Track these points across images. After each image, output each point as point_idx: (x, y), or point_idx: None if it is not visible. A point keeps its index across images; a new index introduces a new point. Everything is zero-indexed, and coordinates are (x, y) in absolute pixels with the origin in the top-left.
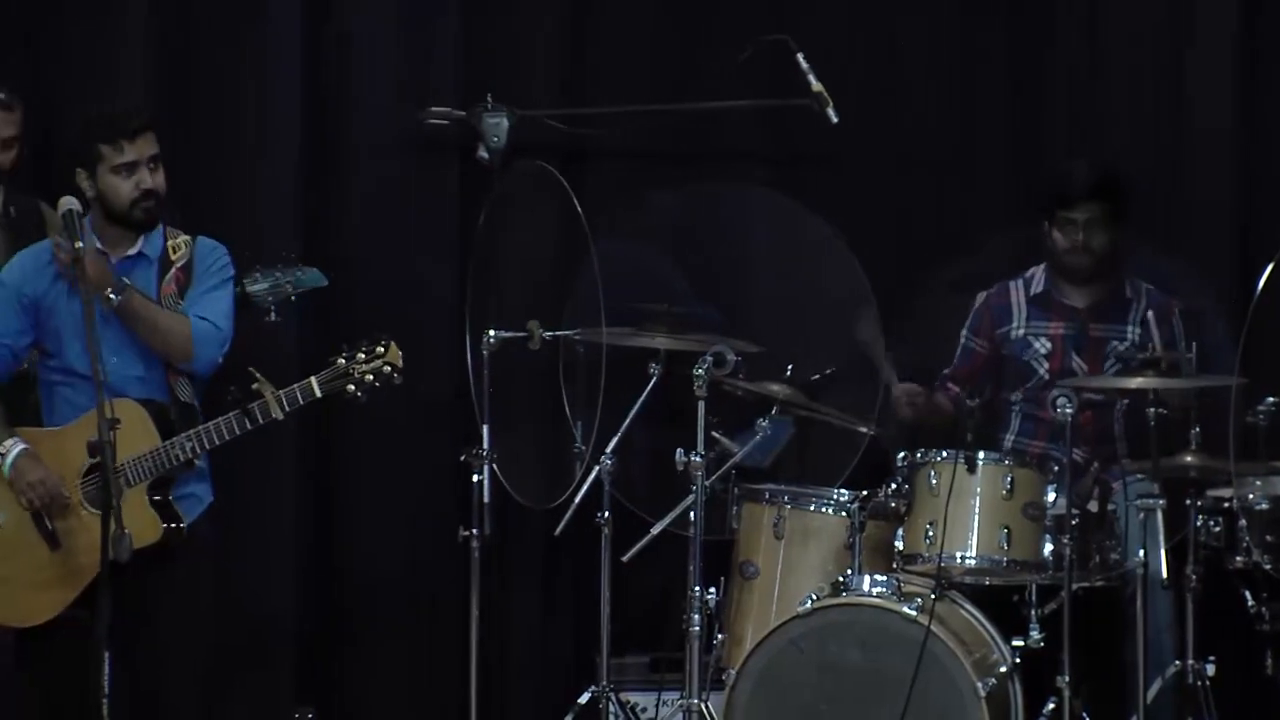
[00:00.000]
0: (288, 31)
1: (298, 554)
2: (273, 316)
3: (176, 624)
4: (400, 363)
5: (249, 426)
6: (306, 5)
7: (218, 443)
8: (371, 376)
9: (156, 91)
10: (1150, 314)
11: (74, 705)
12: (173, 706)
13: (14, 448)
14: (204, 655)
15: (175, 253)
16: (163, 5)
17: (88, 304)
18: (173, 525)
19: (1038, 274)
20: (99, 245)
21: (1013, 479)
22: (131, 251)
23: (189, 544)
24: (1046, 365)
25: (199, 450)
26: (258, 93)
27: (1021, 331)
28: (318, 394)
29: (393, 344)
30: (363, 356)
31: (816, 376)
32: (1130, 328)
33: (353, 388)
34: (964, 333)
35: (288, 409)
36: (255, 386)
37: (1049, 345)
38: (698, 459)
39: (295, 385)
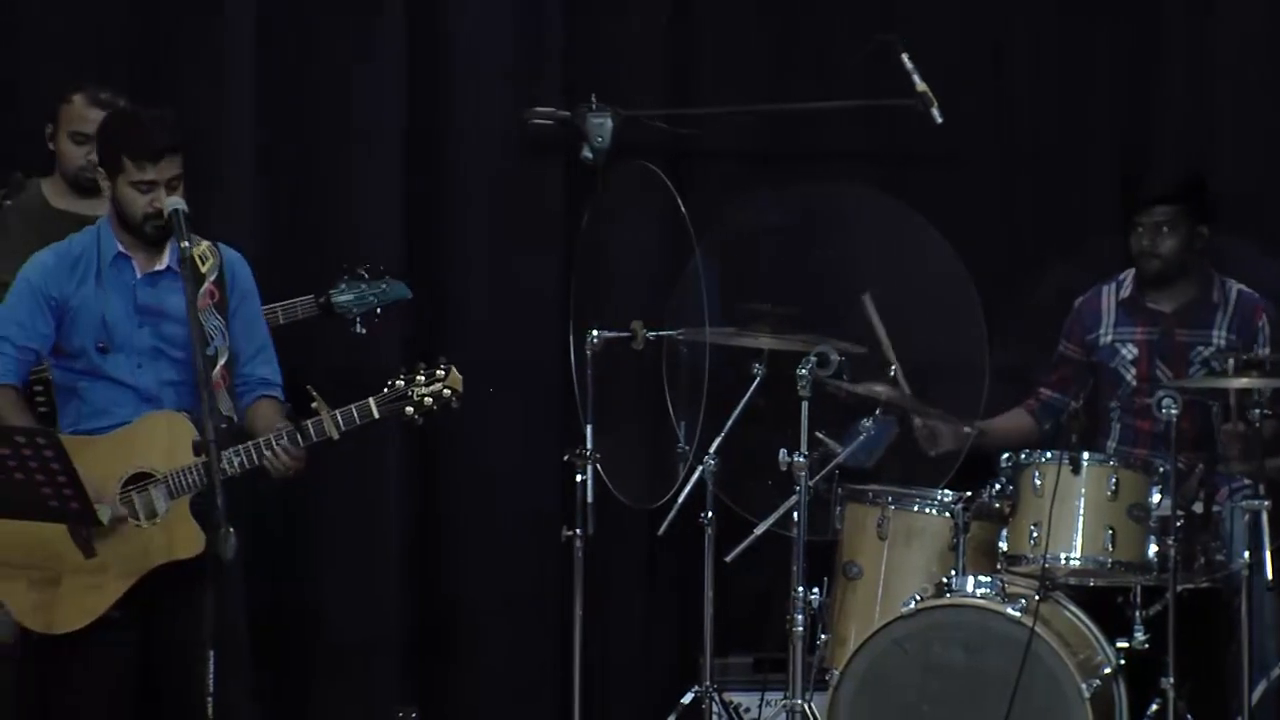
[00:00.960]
0: (393, 32)
1: (401, 554)
2: (358, 328)
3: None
4: (460, 387)
5: (302, 444)
6: (411, 5)
7: (265, 459)
8: (430, 400)
9: (263, 92)
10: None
11: (102, 713)
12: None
13: None
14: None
15: (204, 264)
16: (271, 5)
17: (191, 304)
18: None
19: (1128, 277)
20: (121, 249)
21: (1117, 480)
22: (159, 266)
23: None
24: (1134, 371)
25: (246, 465)
26: (363, 94)
27: (1109, 337)
28: (375, 415)
29: (453, 368)
30: (422, 379)
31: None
32: (1216, 332)
33: (411, 410)
34: (1061, 339)
35: (344, 429)
36: (314, 405)
37: (1135, 351)
38: (801, 459)
39: (352, 405)
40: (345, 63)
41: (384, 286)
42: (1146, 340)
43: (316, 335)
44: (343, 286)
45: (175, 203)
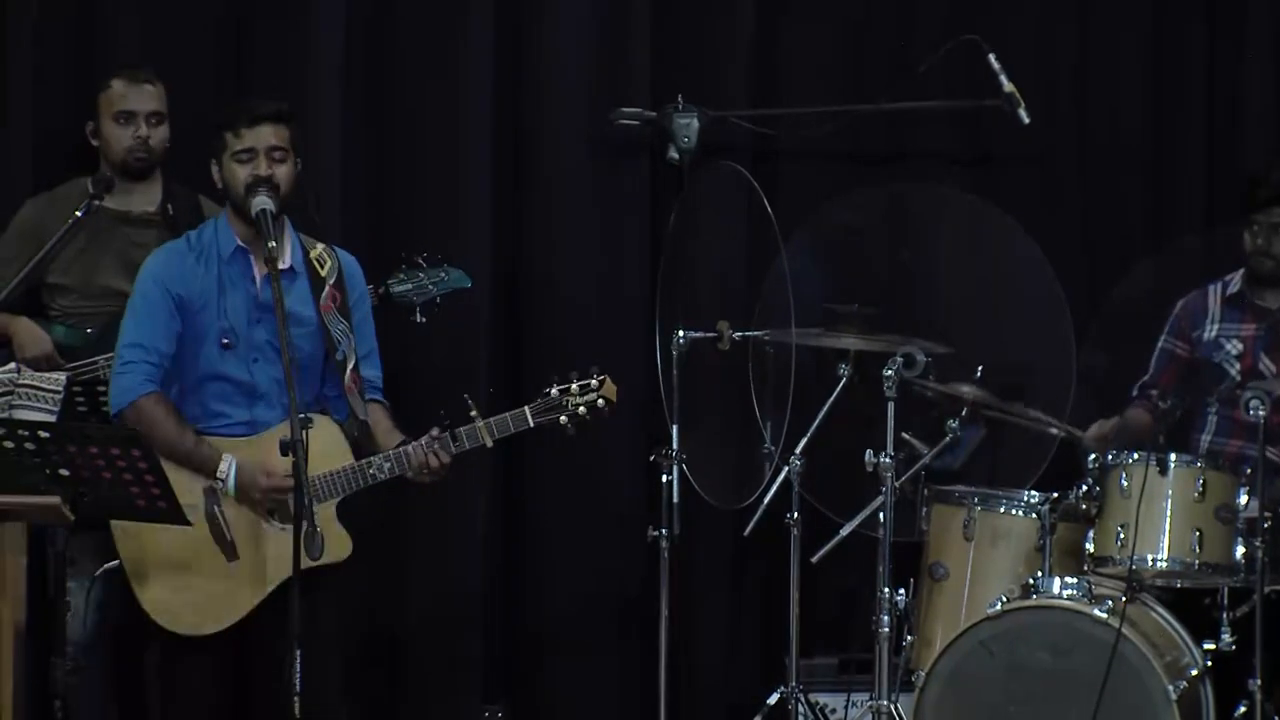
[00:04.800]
0: (480, 33)
1: (487, 553)
2: (418, 318)
3: (327, 633)
4: (614, 397)
5: (454, 452)
6: (499, 7)
7: (416, 466)
8: (584, 409)
9: (351, 95)
10: None
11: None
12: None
13: (230, 468)
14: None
15: (322, 266)
16: (359, 10)
17: (279, 301)
18: None
19: (1235, 277)
20: (240, 243)
21: (1205, 481)
22: (282, 265)
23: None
24: (1238, 366)
25: (396, 472)
26: (450, 95)
27: (1214, 332)
28: (530, 424)
29: (608, 379)
30: (577, 389)
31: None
32: None
33: (565, 420)
34: (1164, 337)
35: (497, 437)
36: (472, 415)
37: (1240, 346)
38: (887, 460)
39: (507, 414)
40: (432, 64)
41: (443, 275)
42: (1253, 335)
43: (408, 333)
44: (401, 276)
45: (262, 203)
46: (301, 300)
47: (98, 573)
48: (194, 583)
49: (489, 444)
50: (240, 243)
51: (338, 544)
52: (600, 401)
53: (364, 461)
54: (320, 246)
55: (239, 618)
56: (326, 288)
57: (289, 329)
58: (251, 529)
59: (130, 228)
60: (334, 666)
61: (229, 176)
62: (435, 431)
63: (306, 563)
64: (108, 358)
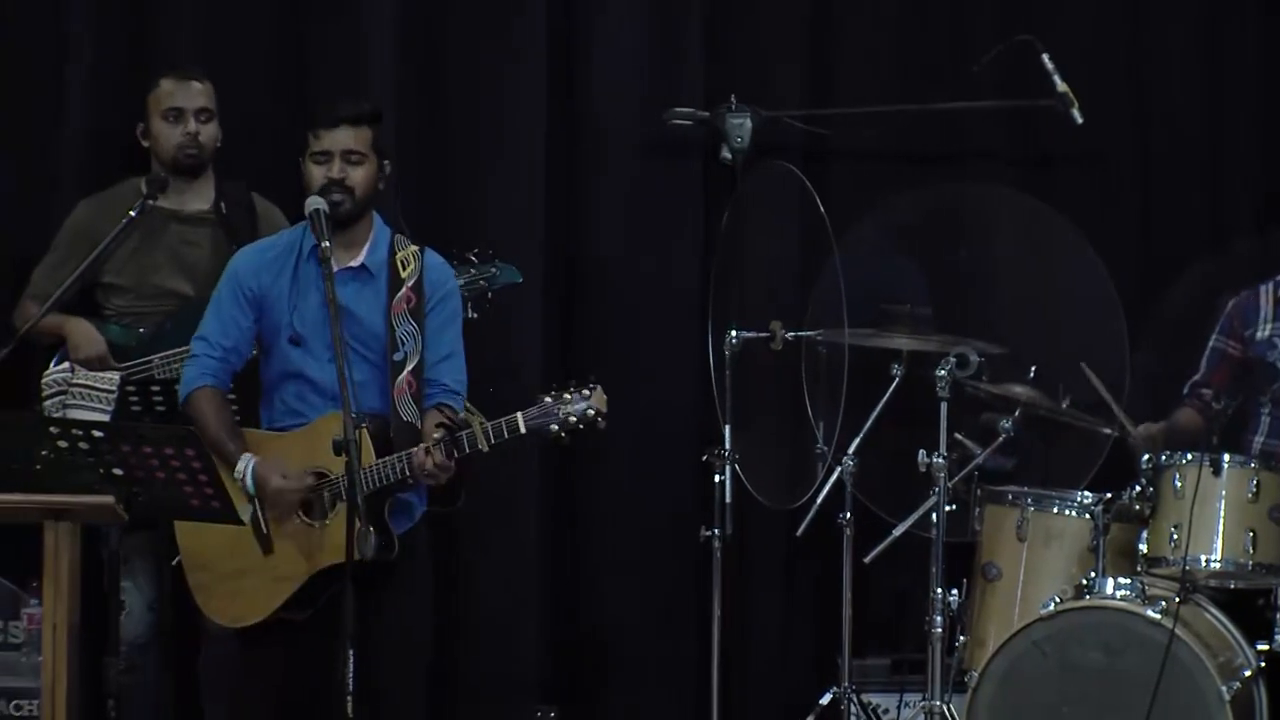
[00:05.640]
0: (533, 33)
1: (540, 552)
2: (470, 313)
3: (394, 630)
4: (605, 408)
5: (455, 455)
6: (551, 7)
7: (415, 467)
8: (575, 419)
9: (404, 95)
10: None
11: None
12: (394, 708)
13: (247, 467)
14: (420, 660)
15: (405, 268)
16: (412, 8)
17: (331, 301)
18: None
19: None
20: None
21: (1258, 482)
22: (354, 263)
23: (401, 554)
24: None
25: (405, 473)
26: (503, 96)
27: (1266, 332)
28: (522, 430)
29: (599, 388)
30: (569, 397)
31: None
32: None
33: (556, 428)
34: (1215, 336)
35: (493, 441)
36: (464, 416)
37: None
38: (940, 460)
39: (502, 419)
40: (485, 63)
41: (494, 270)
42: None
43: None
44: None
45: (315, 202)
46: (371, 301)
47: (174, 562)
48: (235, 574)
49: (485, 449)
50: (317, 243)
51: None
52: (590, 411)
53: (379, 462)
54: (412, 248)
55: (269, 612)
56: (403, 289)
57: (359, 329)
58: (288, 524)
59: (183, 226)
60: (395, 664)
61: (307, 176)
62: (436, 435)
63: (327, 559)
64: (162, 357)
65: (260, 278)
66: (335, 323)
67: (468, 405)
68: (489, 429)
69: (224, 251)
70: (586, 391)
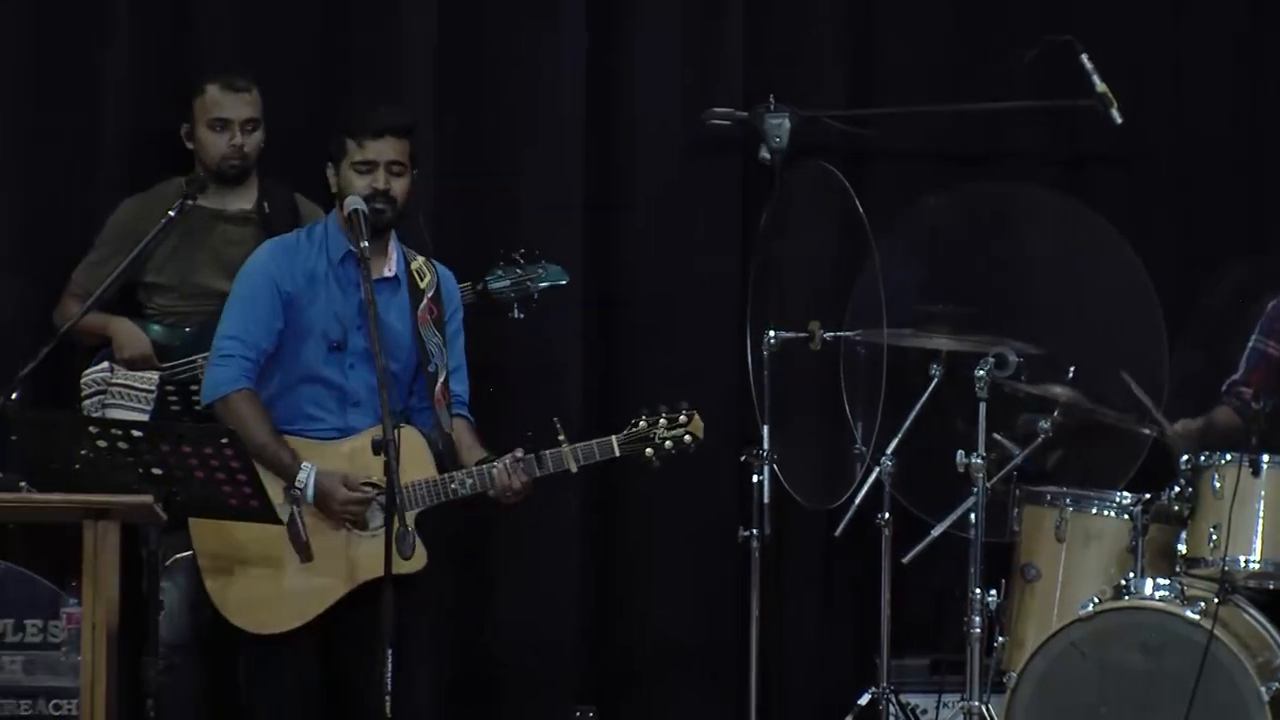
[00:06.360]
0: (571, 31)
1: (580, 552)
2: (515, 314)
3: (419, 634)
4: (701, 434)
5: (537, 474)
6: (591, 6)
7: (499, 487)
8: (670, 444)
9: (443, 94)
10: None
11: (301, 704)
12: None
13: (309, 477)
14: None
15: (422, 279)
16: (450, 10)
17: (370, 303)
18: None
19: None
20: (350, 248)
21: None
22: (387, 273)
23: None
24: None
25: (478, 489)
26: (541, 96)
27: None
28: (616, 453)
29: (696, 415)
30: (665, 423)
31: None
32: None
33: (650, 452)
34: (1254, 337)
35: (582, 463)
36: (560, 439)
37: None
38: (978, 461)
39: (594, 442)
40: (524, 61)
41: (540, 270)
42: None
43: (504, 329)
44: (499, 272)
45: (356, 202)
46: (400, 311)
47: (168, 562)
48: (264, 580)
49: (573, 469)
50: (351, 248)
51: (415, 557)
52: (688, 437)
53: (447, 475)
54: (421, 259)
55: (308, 620)
56: (425, 300)
57: (389, 338)
58: (329, 532)
59: (226, 226)
60: (422, 675)
61: (345, 183)
62: (519, 453)
63: (374, 571)
64: (205, 357)
65: (294, 278)
66: (374, 324)
67: (560, 427)
68: (579, 451)
69: None
70: (683, 417)
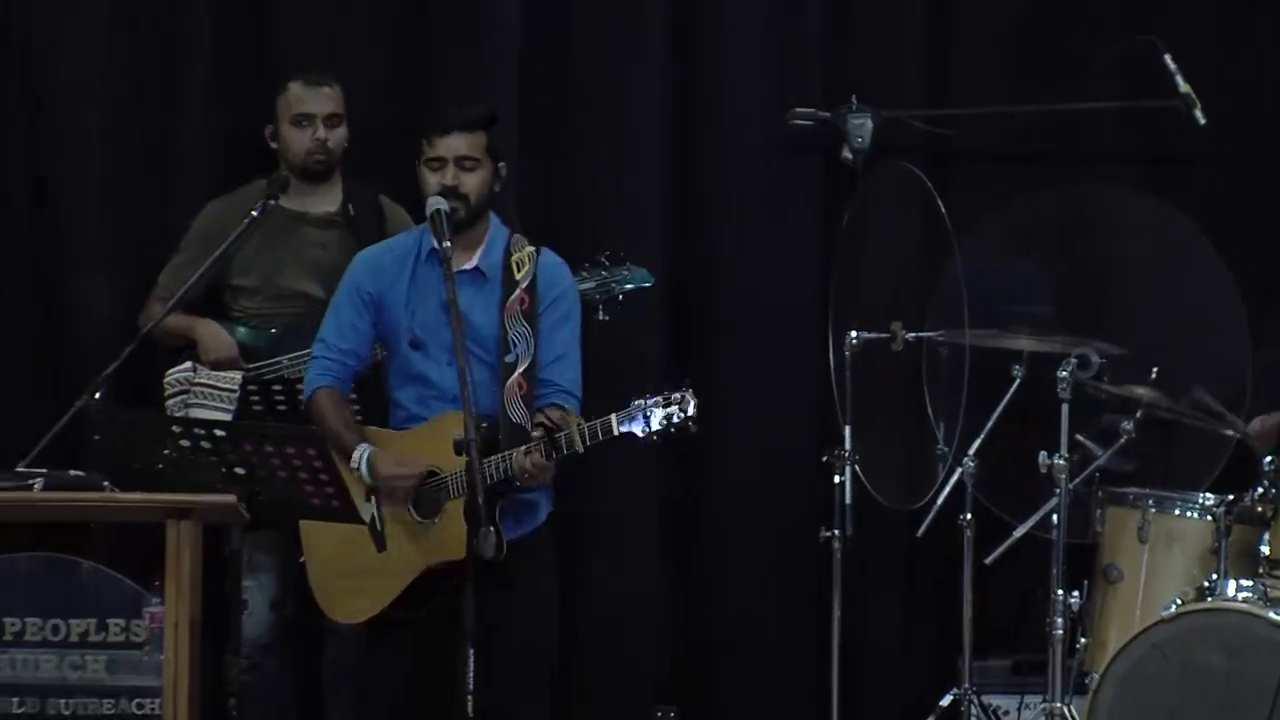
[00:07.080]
0: (656, 33)
1: (660, 552)
2: (601, 315)
3: (514, 633)
4: (692, 411)
5: (553, 456)
6: (675, 7)
7: (517, 469)
8: (665, 422)
9: (526, 96)
10: None
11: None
12: (520, 710)
13: (362, 456)
14: (546, 662)
15: (519, 270)
16: (535, 12)
17: (452, 301)
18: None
19: None
20: (435, 245)
21: None
22: (468, 266)
23: (526, 553)
24: None
25: (509, 474)
26: (626, 96)
27: None
28: (616, 432)
29: (690, 392)
30: (659, 400)
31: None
32: None
33: (645, 430)
34: None
35: (589, 443)
36: (562, 417)
37: None
38: (1061, 461)
39: (596, 420)
40: (608, 64)
41: (625, 272)
42: None
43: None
44: (584, 274)
45: (436, 203)
46: (485, 303)
47: (251, 561)
48: (353, 573)
49: (581, 450)
50: (435, 245)
51: (461, 542)
52: (679, 416)
53: (481, 461)
54: (528, 249)
55: (382, 608)
56: (517, 290)
57: (474, 331)
58: (400, 522)
59: (311, 228)
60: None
61: (421, 182)
62: (535, 435)
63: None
64: (290, 357)
65: (379, 280)
66: (456, 322)
67: (566, 407)
68: (585, 430)
69: (351, 253)
70: (678, 395)
